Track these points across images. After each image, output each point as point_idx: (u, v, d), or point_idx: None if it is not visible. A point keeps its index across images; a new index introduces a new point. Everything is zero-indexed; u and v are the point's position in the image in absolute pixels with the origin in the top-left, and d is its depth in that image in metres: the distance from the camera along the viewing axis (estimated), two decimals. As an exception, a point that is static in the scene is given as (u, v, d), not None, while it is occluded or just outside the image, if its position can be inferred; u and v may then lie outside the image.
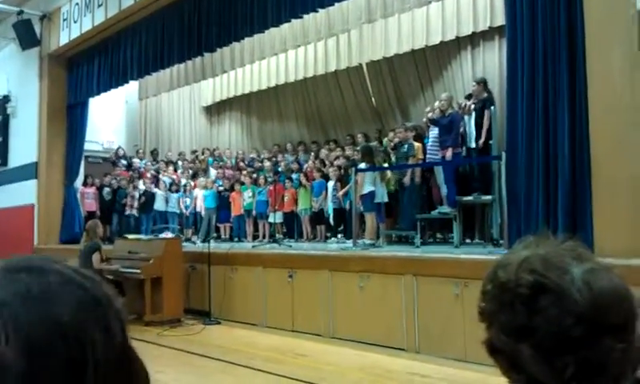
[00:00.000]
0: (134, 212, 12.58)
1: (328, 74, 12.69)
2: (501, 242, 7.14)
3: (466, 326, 5.60)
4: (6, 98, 14.61)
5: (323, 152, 12.07)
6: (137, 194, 12.62)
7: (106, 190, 12.95)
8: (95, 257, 8.09)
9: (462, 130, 8.42)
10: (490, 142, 8.20)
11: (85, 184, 13.19)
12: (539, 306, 0.89)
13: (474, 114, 8.27)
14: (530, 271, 0.92)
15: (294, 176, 11.33)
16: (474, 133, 8.32)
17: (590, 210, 5.38)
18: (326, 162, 11.23)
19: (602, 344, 0.87)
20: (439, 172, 8.52)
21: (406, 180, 8.84)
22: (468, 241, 8.51)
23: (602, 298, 0.88)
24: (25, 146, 13.66)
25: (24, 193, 13.41)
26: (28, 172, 13.40)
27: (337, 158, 11.03)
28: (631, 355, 0.89)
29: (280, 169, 12.06)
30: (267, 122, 15.29)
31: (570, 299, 0.88)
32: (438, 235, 9.39)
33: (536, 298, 0.90)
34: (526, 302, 0.91)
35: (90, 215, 12.30)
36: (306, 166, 11.61)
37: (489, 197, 7.85)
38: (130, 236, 9.73)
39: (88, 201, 12.97)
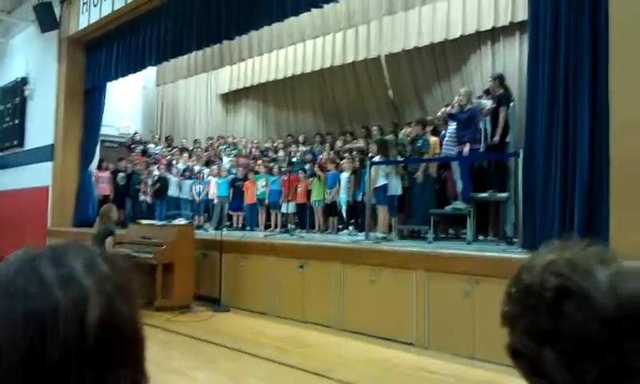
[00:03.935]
0: (148, 198, 12.62)
1: (346, 65, 12.64)
2: (515, 240, 7.06)
3: (476, 324, 5.57)
4: (24, 80, 14.72)
5: (338, 143, 12.02)
6: (151, 180, 12.67)
7: (121, 174, 13.01)
8: (109, 241, 8.12)
9: (480, 125, 8.34)
10: (507, 139, 8.11)
11: (99, 168, 13.26)
12: (564, 309, 0.87)
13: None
14: (556, 274, 0.90)
15: (307, 167, 11.30)
16: (489, 129, 8.26)
17: (607, 211, 5.28)
18: (341, 154, 11.18)
19: (626, 349, 0.84)
20: (455, 167, 8.44)
21: (419, 175, 8.75)
22: (481, 238, 8.43)
23: (628, 302, 0.86)
24: (41, 129, 13.75)
25: (39, 175, 13.51)
26: (44, 154, 13.49)
27: (350, 150, 10.97)
28: None
29: (294, 159, 12.02)
30: (283, 112, 15.28)
31: (596, 303, 0.86)
32: (451, 231, 9.32)
33: (561, 302, 0.88)
34: (551, 306, 0.89)
35: (104, 199, 12.38)
36: (320, 157, 11.57)
37: (504, 194, 7.77)
38: (144, 221, 9.76)
39: (102, 185, 13.04)
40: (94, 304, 0.67)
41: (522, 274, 0.95)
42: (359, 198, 10.00)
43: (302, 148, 12.76)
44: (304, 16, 10.68)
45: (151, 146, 14.61)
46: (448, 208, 8.27)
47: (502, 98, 8.10)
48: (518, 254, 5.79)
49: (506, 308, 0.97)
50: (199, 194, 12.73)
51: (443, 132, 8.99)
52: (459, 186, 8.20)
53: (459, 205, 8.03)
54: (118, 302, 0.70)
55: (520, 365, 0.94)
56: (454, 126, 8.45)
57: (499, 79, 8.35)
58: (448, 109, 8.77)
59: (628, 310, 0.85)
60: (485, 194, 7.93)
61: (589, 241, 0.95)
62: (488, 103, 8.38)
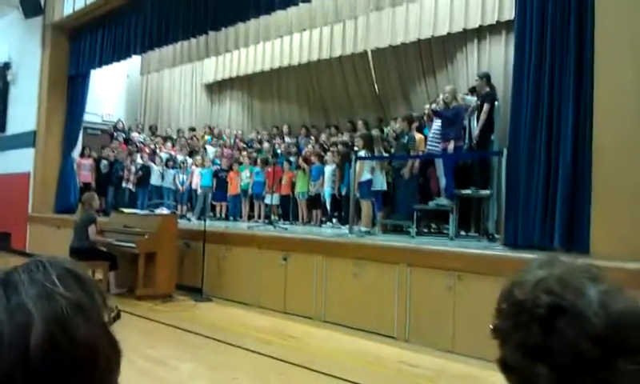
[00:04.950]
0: (130, 186, 12.55)
1: (332, 59, 12.65)
2: (496, 236, 7.15)
3: (457, 319, 5.63)
4: (7, 66, 14.53)
5: (323, 137, 12.04)
6: (134, 168, 12.59)
7: (104, 162, 12.91)
8: (91, 228, 8.07)
9: (465, 123, 8.41)
10: (492, 137, 8.19)
11: (82, 155, 13.14)
12: (556, 326, 0.89)
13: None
14: (547, 292, 0.92)
15: (292, 159, 11.31)
16: (475, 127, 8.32)
17: (589, 211, 5.37)
18: (326, 147, 11.20)
19: (617, 366, 0.87)
20: (439, 164, 8.50)
21: (405, 172, 8.81)
22: (463, 234, 8.51)
23: (618, 319, 0.89)
24: (24, 114, 13.59)
25: (21, 160, 13.36)
26: (26, 140, 13.34)
27: (335, 144, 11.00)
28: None
29: (279, 151, 12.02)
30: (268, 104, 15.26)
31: (587, 321, 0.88)
32: (433, 226, 9.39)
33: (553, 319, 0.90)
34: (543, 323, 0.91)
35: (86, 186, 12.28)
36: (305, 149, 11.58)
37: (487, 191, 7.85)
38: (126, 210, 9.70)
39: (84, 172, 12.93)
40: (38, 330, 0.67)
41: (513, 290, 0.97)
42: (343, 192, 10.05)
43: (287, 140, 12.76)
44: (292, 9, 10.67)
45: (134, 134, 14.50)
46: (431, 204, 8.34)
47: (487, 97, 8.17)
48: (499, 251, 5.87)
49: (497, 322, 0.99)
50: (182, 183, 12.68)
51: (428, 129, 9.05)
52: (442, 182, 8.27)
53: (442, 201, 8.10)
54: (74, 324, 0.70)
55: (511, 379, 0.96)
56: (439, 123, 8.51)
57: (486, 78, 8.41)
58: (433, 106, 8.83)
59: (619, 327, 0.88)
60: (468, 191, 8.00)
61: (575, 256, 0.99)
62: (473, 100, 8.44)
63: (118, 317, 0.79)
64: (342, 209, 10.16)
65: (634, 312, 0.91)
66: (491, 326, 1.00)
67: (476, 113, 8.34)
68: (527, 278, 0.96)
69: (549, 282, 0.93)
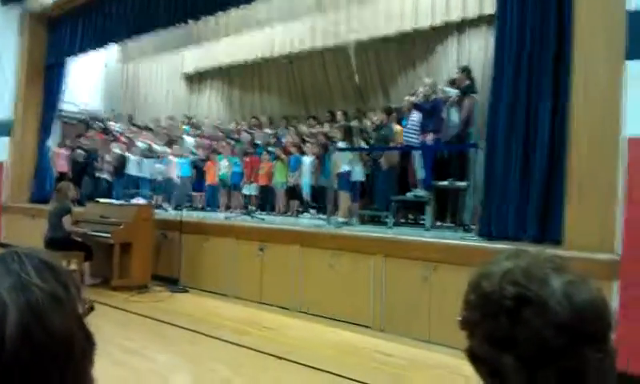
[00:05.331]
0: (106, 175, 12.41)
1: (313, 51, 12.62)
2: (472, 227, 7.20)
3: (432, 309, 5.68)
4: (-17, 53, 14.25)
5: (303, 128, 12.01)
6: (109, 158, 12.46)
7: (79, 151, 12.75)
8: (66, 219, 7.95)
9: (443, 115, 8.44)
10: (470, 129, 8.23)
11: (60, 145, 12.94)
12: (522, 317, 0.91)
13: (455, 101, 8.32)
14: (513, 283, 0.94)
15: (271, 149, 11.28)
16: (456, 120, 8.34)
17: (562, 203, 5.43)
18: (305, 138, 11.17)
19: (581, 354, 0.89)
20: (417, 156, 8.53)
21: (383, 163, 8.83)
22: (439, 224, 8.56)
23: (582, 309, 0.90)
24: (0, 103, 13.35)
25: (-5, 149, 13.13)
26: (2, 129, 13.08)
27: (314, 135, 10.98)
28: (608, 365, 0.91)
29: (258, 142, 11.98)
30: (248, 94, 15.19)
31: (552, 311, 0.90)
32: (410, 217, 9.43)
33: (519, 310, 0.92)
34: (510, 314, 0.92)
35: (62, 176, 12.13)
36: (284, 140, 11.55)
37: (463, 183, 7.89)
38: (102, 200, 9.59)
39: (60, 162, 12.76)
40: (12, 320, 0.67)
41: (480, 282, 0.99)
42: (322, 182, 10.05)
43: (267, 130, 12.71)
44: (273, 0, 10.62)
45: (111, 123, 14.35)
46: (409, 195, 8.37)
47: (468, 89, 8.23)
48: (474, 242, 5.91)
49: (466, 314, 1.01)
50: (161, 173, 12.57)
51: (405, 121, 9.07)
52: (420, 174, 8.30)
53: (420, 192, 8.14)
54: (49, 315, 0.70)
55: (480, 369, 0.98)
56: (417, 116, 8.54)
57: (466, 71, 8.48)
58: (413, 98, 8.85)
59: (583, 317, 0.90)
60: (445, 183, 8.05)
61: (541, 247, 1.00)
62: (454, 92, 8.47)
63: (91, 309, 0.80)
64: (318, 200, 10.15)
65: (598, 302, 0.93)
66: (459, 318, 1.02)
67: (455, 105, 8.38)
68: (494, 270, 0.98)
69: (515, 274, 0.95)
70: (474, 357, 0.99)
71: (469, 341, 1.00)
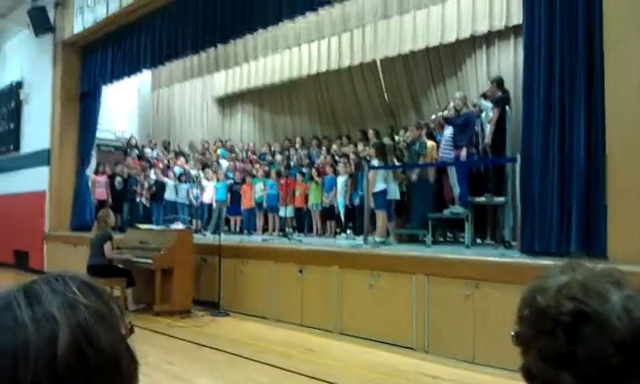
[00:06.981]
0: (144, 201, 12.62)
1: (341, 69, 12.68)
2: (513, 243, 7.11)
3: (476, 328, 5.60)
4: (19, 85, 14.68)
5: (334, 147, 12.06)
6: (147, 184, 12.67)
7: (118, 179, 13.00)
8: (107, 246, 8.13)
9: (476, 129, 8.38)
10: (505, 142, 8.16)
11: (96, 172, 13.23)
12: (580, 334, 0.88)
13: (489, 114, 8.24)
14: (570, 298, 0.91)
15: (304, 170, 11.33)
16: (487, 132, 8.27)
17: (605, 214, 5.34)
18: (337, 158, 11.21)
19: None
20: (452, 172, 8.48)
21: (413, 177, 8.82)
22: (479, 241, 8.47)
23: None
24: (37, 133, 13.69)
25: (36, 179, 13.46)
26: (40, 158, 13.45)
27: (346, 155, 11.02)
28: None
29: (292, 163, 12.05)
30: (279, 116, 15.31)
31: (611, 327, 0.87)
32: (449, 235, 9.37)
33: (577, 326, 0.89)
34: (567, 330, 0.90)
35: (101, 203, 12.37)
36: (317, 160, 11.60)
37: (501, 198, 7.79)
38: (142, 226, 9.75)
39: (99, 189, 13.02)
40: (64, 338, 0.69)
41: (535, 296, 0.96)
42: (356, 202, 10.05)
43: (300, 151, 12.79)
44: (299, 20, 10.72)
45: (147, 149, 14.60)
46: (446, 212, 8.30)
47: (501, 101, 8.12)
48: (517, 258, 5.84)
49: (519, 329, 0.98)
50: (197, 197, 12.74)
51: (439, 136, 9.04)
52: (456, 190, 8.25)
53: (457, 209, 8.08)
54: (97, 333, 0.72)
55: None
56: (450, 131, 8.50)
57: (497, 82, 8.36)
58: (445, 113, 8.82)
59: None
60: (482, 198, 7.96)
61: (596, 260, 0.98)
62: (489, 106, 8.38)
63: (132, 331, 0.81)
64: (356, 219, 10.15)
65: None
66: (513, 333, 0.99)
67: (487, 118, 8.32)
68: (549, 284, 0.95)
69: (571, 288, 0.92)
70: (529, 374, 0.96)
71: (523, 357, 0.97)
